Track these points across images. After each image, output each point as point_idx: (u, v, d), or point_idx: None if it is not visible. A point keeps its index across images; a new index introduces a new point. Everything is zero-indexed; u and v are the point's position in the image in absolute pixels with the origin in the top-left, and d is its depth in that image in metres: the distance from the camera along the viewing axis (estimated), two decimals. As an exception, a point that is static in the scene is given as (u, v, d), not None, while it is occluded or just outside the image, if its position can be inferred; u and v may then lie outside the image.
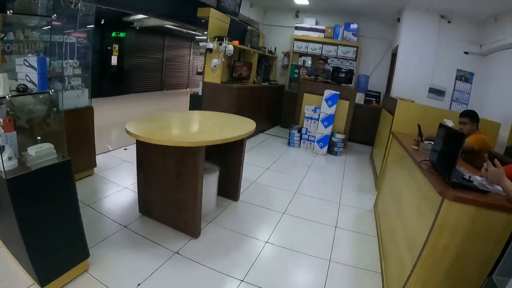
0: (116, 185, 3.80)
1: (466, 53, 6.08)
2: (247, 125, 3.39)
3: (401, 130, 4.20)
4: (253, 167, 4.92)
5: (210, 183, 3.17)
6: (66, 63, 3.65)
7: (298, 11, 8.32)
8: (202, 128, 3.24)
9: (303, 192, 4.25)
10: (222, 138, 2.69)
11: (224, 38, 5.69)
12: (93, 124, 3.96)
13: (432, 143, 2.77)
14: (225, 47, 5.68)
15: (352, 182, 4.95)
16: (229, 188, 3.67)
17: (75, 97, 3.78)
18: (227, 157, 3.56)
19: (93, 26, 3.81)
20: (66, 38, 3.64)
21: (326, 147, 6.26)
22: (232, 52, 5.76)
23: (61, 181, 2.02)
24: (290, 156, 5.91)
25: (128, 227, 2.95)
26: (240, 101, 5.94)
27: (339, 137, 6.25)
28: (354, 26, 7.67)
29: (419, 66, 6.25)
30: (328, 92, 6.07)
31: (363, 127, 7.41)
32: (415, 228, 2.19)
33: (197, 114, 4.03)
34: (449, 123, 3.00)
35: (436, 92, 6.28)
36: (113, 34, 10.41)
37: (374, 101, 7.78)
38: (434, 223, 1.80)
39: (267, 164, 5.17)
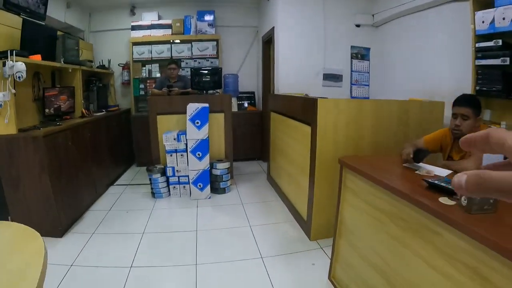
0: None
1: (358, 26, 5.08)
2: None
3: (332, 147, 2.76)
4: (106, 271, 2.58)
5: None
6: None
7: (134, 7, 6.01)
8: None
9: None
10: None
11: (9, 53, 3.05)
12: None
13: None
14: (12, 66, 3.14)
15: (271, 237, 3.14)
16: None
17: None
18: None
19: None
20: None
21: (208, 186, 4.25)
22: (23, 75, 3.15)
23: None
24: (161, 220, 3.66)
25: None
26: (58, 155, 3.32)
27: (222, 167, 4.31)
28: (209, 15, 5.87)
29: (306, 50, 4.89)
30: (192, 108, 4.06)
31: (243, 140, 5.73)
32: None
33: None
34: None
35: (332, 77, 5.05)
36: None
37: (249, 104, 6.16)
38: None
39: (129, 256, 2.81)
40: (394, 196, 1.61)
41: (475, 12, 2.99)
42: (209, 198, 4.23)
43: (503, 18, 2.74)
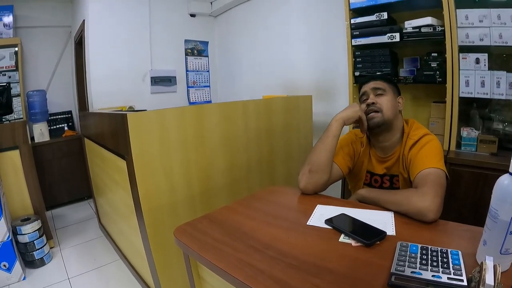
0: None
1: (192, 15, 4.17)
2: None
3: (166, 187, 1.68)
4: None
5: None
6: None
7: None
8: None
9: None
10: None
11: None
12: None
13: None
14: None
15: None
16: None
17: None
18: None
19: None
20: None
21: (17, 262, 2.59)
22: None
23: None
24: None
25: None
26: None
27: (30, 230, 2.62)
28: (6, 12, 3.94)
29: (128, 48, 3.63)
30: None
31: (64, 176, 3.98)
32: None
33: None
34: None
35: (163, 81, 4.01)
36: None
37: (66, 128, 4.46)
38: None
39: None
40: None
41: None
42: (24, 279, 2.65)
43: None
